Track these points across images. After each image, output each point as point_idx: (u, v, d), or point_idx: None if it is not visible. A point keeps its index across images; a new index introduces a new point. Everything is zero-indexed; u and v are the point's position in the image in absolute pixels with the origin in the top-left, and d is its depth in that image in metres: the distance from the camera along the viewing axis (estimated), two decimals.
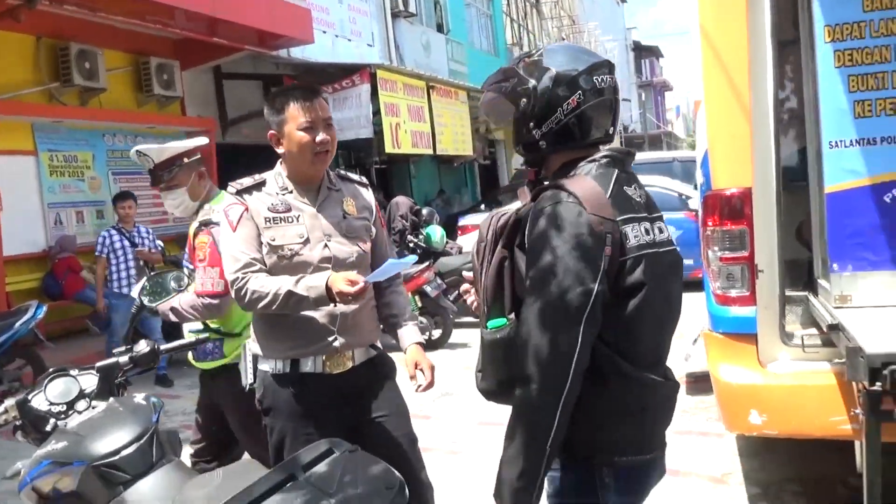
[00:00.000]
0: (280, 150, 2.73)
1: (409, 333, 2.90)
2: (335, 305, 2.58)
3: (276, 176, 2.75)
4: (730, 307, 3.43)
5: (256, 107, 13.72)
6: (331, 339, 2.68)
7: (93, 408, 2.57)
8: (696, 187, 8.54)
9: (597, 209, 1.76)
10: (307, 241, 2.67)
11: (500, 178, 23.41)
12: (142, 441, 2.26)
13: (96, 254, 7.73)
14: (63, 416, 2.59)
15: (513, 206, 2.01)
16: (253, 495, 1.60)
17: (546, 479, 1.89)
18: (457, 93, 15.23)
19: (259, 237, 2.66)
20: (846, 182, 3.18)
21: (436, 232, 10.07)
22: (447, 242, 10.45)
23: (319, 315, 2.66)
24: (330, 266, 2.66)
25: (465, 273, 2.27)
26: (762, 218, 3.32)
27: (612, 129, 1.98)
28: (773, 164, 3.30)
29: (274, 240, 2.65)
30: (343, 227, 2.74)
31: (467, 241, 11.60)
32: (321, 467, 1.66)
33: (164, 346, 2.72)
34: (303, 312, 2.64)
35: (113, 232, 7.70)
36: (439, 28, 17.93)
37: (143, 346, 2.65)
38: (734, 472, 4.23)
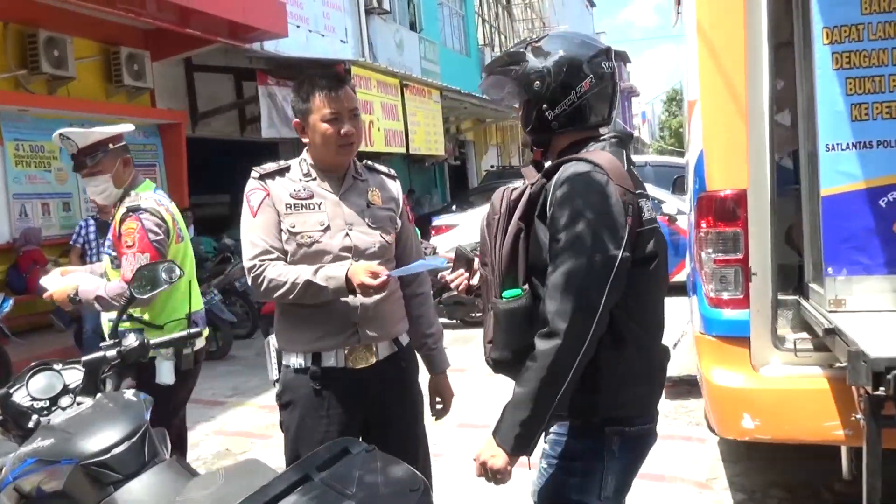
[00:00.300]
0: (305, 140, 2.68)
1: (439, 361, 2.92)
2: (355, 297, 2.52)
3: (301, 162, 2.71)
4: (722, 310, 3.41)
5: (227, 100, 13.59)
6: (352, 330, 2.62)
7: (78, 404, 2.47)
8: (672, 191, 8.59)
9: (620, 180, 1.89)
10: (328, 228, 2.62)
11: (469, 179, 23.40)
12: (134, 439, 2.16)
13: (70, 242, 7.53)
14: (46, 412, 2.48)
15: (519, 182, 2.08)
16: (267, 496, 1.52)
17: (549, 441, 2.04)
18: (430, 92, 15.16)
19: (279, 224, 2.61)
20: (842, 185, 3.18)
21: None
22: (421, 242, 10.38)
23: (341, 305, 2.59)
24: (350, 255, 2.61)
25: (442, 274, 2.33)
26: (756, 220, 3.31)
27: (612, 112, 2.11)
28: (768, 166, 3.29)
29: (294, 226, 2.60)
30: (366, 216, 2.68)
31: (441, 242, 11.55)
32: (338, 467, 1.59)
33: (153, 341, 2.62)
34: (325, 305, 2.57)
35: (90, 221, 7.50)
36: (412, 26, 17.86)
37: (131, 340, 2.55)
38: (719, 478, 4.22)
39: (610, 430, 1.96)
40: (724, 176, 3.37)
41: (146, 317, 3.22)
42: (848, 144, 3.16)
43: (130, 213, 3.21)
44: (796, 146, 3.61)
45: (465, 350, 7.30)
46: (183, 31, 10.51)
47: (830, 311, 3.17)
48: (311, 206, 2.63)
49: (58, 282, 3.35)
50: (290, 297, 2.50)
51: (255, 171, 2.69)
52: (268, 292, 2.55)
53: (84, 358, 2.53)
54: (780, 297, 3.40)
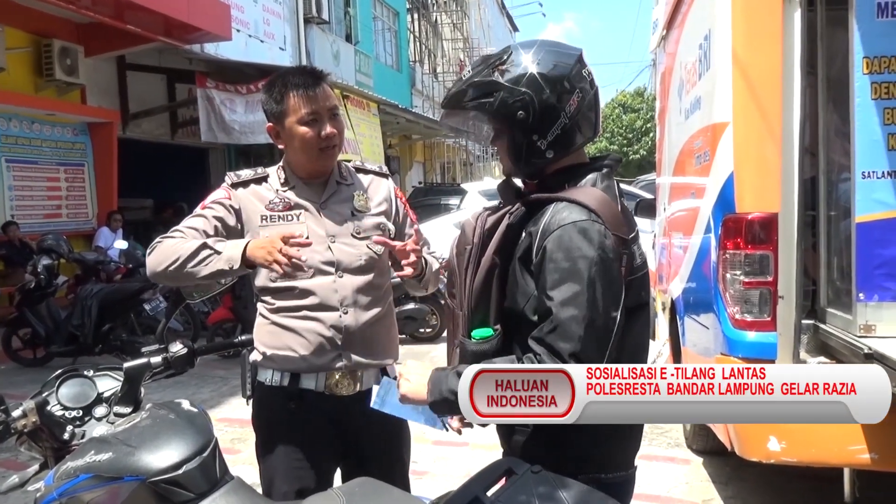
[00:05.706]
0: (280, 146, 2.44)
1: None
2: (340, 317, 2.34)
3: (279, 170, 2.48)
4: (748, 332, 3.41)
5: (159, 101, 13.10)
6: (335, 354, 2.38)
7: (115, 414, 2.26)
8: (636, 213, 8.69)
9: (615, 227, 1.68)
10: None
11: None
12: (205, 454, 1.95)
13: None
14: (79, 422, 2.26)
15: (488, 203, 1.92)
16: None
17: None
18: (369, 104, 15.01)
19: (221, 224, 2.37)
20: (877, 213, 3.22)
21: None
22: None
23: (322, 328, 2.36)
24: (333, 270, 2.38)
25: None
26: (784, 244, 3.33)
27: (598, 125, 1.87)
28: (797, 191, 3.32)
29: None
30: (351, 226, 2.43)
31: None
32: (509, 489, 1.45)
33: (201, 348, 2.41)
34: (306, 324, 2.36)
35: None
36: (348, 38, 17.66)
37: (178, 347, 2.34)
38: (714, 499, 4.21)
39: (584, 477, 1.69)
40: (756, 198, 3.39)
41: None
42: (884, 173, 3.21)
43: None
44: (813, 174, 3.66)
45: None
46: (121, 27, 10.06)
47: (861, 337, 3.20)
48: (289, 218, 2.40)
49: None
50: (179, 263, 2.23)
51: (229, 178, 2.47)
52: (157, 259, 2.28)
53: (125, 364, 2.31)
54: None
